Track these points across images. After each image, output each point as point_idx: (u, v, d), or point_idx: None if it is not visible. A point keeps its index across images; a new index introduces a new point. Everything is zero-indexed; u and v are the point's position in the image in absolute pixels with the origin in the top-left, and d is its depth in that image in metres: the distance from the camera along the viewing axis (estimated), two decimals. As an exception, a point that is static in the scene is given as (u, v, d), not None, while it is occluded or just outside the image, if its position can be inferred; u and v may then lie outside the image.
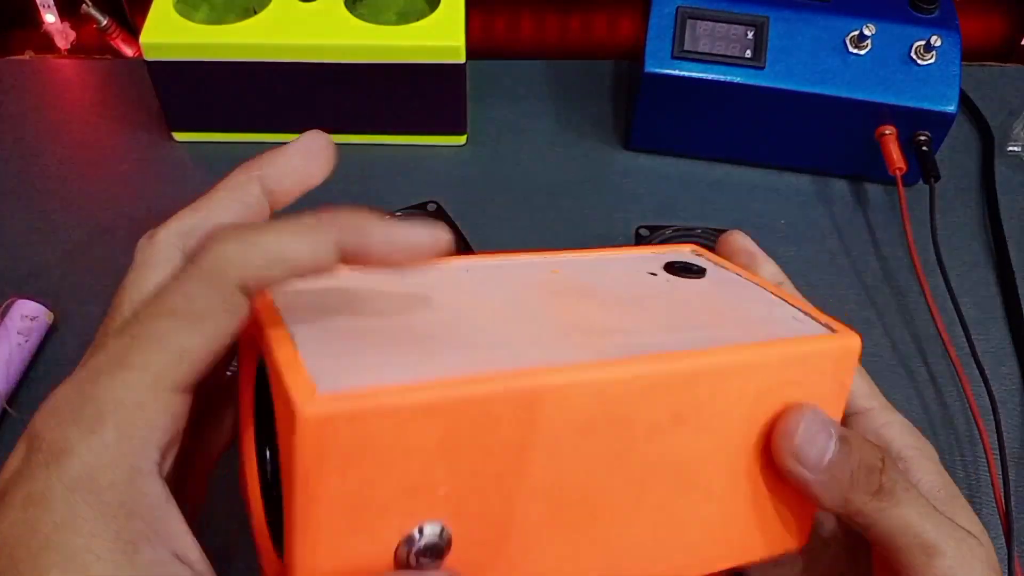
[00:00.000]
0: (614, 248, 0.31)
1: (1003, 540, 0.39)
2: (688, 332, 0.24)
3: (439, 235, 0.22)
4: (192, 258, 0.21)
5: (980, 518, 0.39)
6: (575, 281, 0.27)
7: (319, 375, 0.19)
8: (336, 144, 0.26)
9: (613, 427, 0.22)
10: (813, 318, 0.26)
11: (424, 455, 0.20)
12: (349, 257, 0.22)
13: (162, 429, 0.21)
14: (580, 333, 0.23)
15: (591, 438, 0.22)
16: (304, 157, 0.26)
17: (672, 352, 0.23)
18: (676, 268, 0.29)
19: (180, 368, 0.21)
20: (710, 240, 0.45)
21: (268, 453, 0.25)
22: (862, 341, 0.26)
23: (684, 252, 0.31)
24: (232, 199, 0.25)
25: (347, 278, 0.24)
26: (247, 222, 0.25)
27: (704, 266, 0.30)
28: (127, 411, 0.20)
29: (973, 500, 0.41)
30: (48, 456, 0.19)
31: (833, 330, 0.26)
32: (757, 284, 0.29)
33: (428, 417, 0.19)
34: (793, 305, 0.27)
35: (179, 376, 0.21)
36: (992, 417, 0.42)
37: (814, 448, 0.25)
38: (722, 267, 0.30)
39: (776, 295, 0.28)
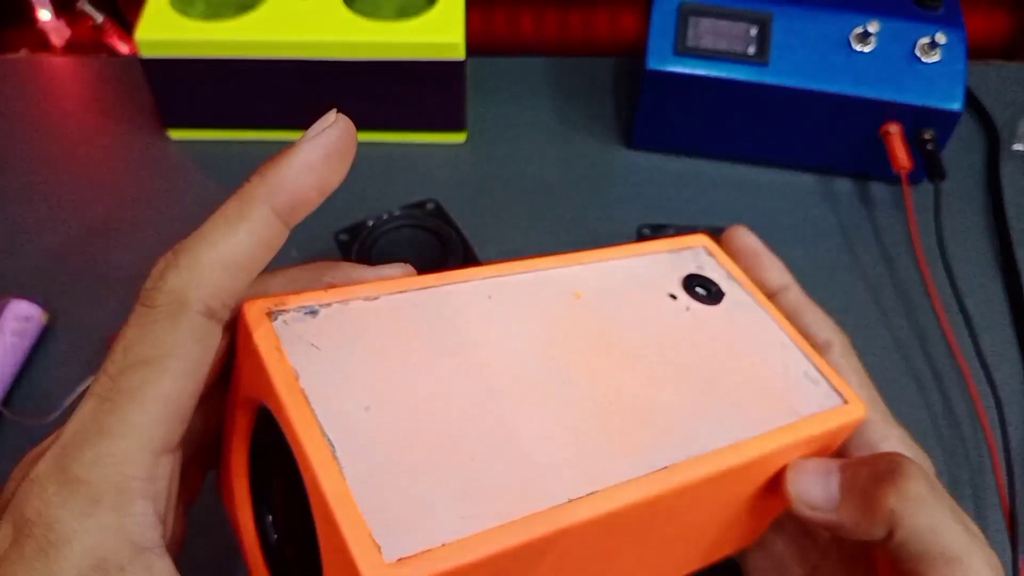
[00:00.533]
0: (628, 247, 0.30)
1: (1007, 540, 0.38)
2: (711, 416, 0.25)
3: (328, 120, 0.22)
4: (143, 300, 0.20)
5: (985, 519, 0.39)
6: (600, 316, 0.26)
7: (375, 524, 0.19)
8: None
9: (637, 524, 0.24)
10: (825, 378, 0.28)
11: None
12: (287, 214, 0.21)
13: (158, 498, 0.20)
14: (614, 426, 0.24)
15: (616, 534, 0.23)
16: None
17: (697, 458, 0.24)
18: (694, 287, 0.29)
19: (164, 423, 0.20)
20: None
21: (270, 517, 0.25)
22: (867, 410, 0.28)
23: (696, 250, 0.31)
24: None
25: (364, 315, 0.23)
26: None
27: (720, 283, 0.29)
28: (119, 487, 0.19)
29: (978, 500, 0.40)
30: (44, 543, 0.18)
31: (843, 399, 0.27)
32: (772, 318, 0.29)
33: (481, 566, 0.20)
34: (805, 354, 0.29)
35: (165, 433, 0.20)
36: (997, 417, 0.42)
37: (820, 495, 0.26)
38: (734, 281, 0.30)
39: (789, 336, 0.29)
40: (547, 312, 0.26)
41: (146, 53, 0.49)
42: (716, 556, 0.30)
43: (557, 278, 0.27)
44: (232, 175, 0.51)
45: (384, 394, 0.22)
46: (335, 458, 0.20)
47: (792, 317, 0.31)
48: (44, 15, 0.61)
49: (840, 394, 0.28)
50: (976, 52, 0.53)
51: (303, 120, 0.63)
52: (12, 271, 0.47)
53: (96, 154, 0.54)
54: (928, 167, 0.50)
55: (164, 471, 0.20)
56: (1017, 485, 0.39)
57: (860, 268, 0.50)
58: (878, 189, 0.54)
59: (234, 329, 0.23)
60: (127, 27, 0.60)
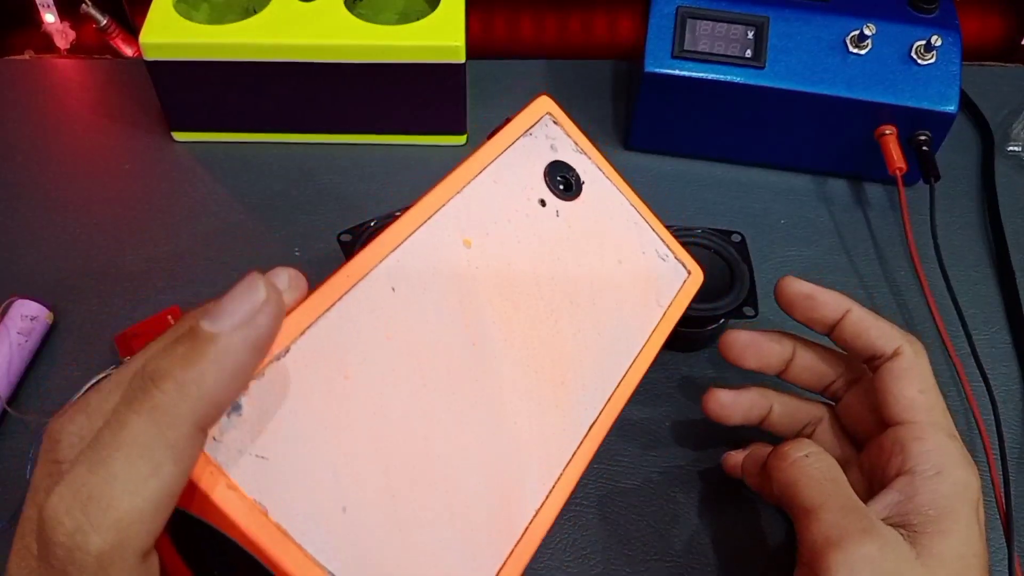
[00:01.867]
0: (486, 149, 0.31)
1: (1003, 540, 0.39)
2: (609, 342, 0.28)
3: (257, 298, 0.17)
4: (65, 569, 0.17)
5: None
6: (494, 268, 0.27)
7: None
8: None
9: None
10: (671, 251, 0.33)
11: None
12: (210, 424, 0.18)
13: None
14: (545, 395, 0.26)
15: None
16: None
17: (611, 396, 0.28)
18: (556, 179, 0.31)
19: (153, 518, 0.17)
20: (710, 240, 0.45)
21: None
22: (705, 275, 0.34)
23: (544, 122, 0.32)
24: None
25: (284, 383, 0.21)
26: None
27: (574, 164, 0.32)
28: None
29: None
30: None
31: (687, 269, 0.33)
32: (622, 194, 0.33)
33: None
34: (653, 228, 0.33)
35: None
36: (992, 416, 0.42)
37: None
38: (583, 154, 0.32)
39: (638, 211, 0.33)
40: (450, 287, 0.25)
41: (151, 56, 0.49)
42: None
43: (443, 226, 0.27)
44: (236, 176, 0.52)
45: (349, 485, 0.20)
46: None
47: (859, 336, 0.35)
48: (49, 17, 0.62)
49: (684, 265, 0.32)
50: (971, 54, 0.53)
51: (306, 122, 0.63)
52: (18, 271, 0.48)
53: (101, 155, 0.54)
54: (923, 168, 0.50)
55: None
56: (1012, 484, 0.40)
57: (855, 268, 0.50)
58: (873, 190, 0.54)
59: None
60: (132, 30, 0.60)
